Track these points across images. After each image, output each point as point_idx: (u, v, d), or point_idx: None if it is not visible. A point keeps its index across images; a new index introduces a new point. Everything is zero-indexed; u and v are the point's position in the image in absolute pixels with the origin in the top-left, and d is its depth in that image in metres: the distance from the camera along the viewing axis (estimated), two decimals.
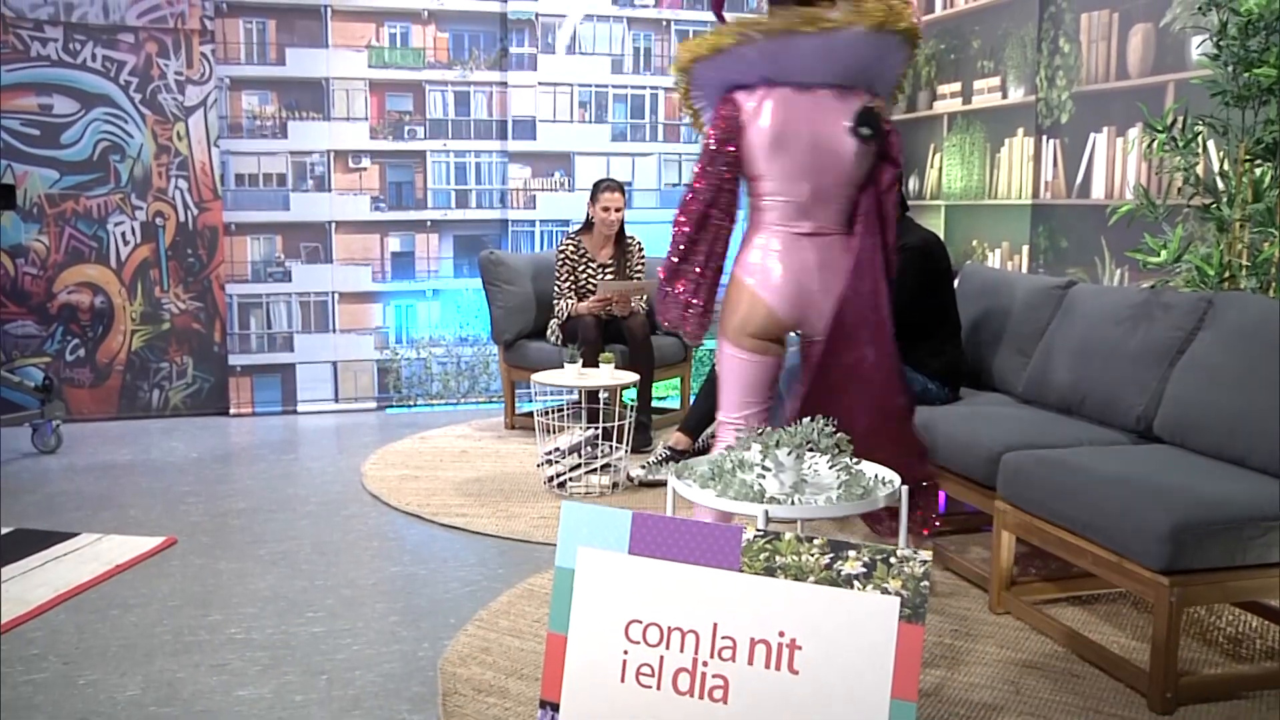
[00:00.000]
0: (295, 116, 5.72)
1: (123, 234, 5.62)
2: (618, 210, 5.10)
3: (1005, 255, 4.94)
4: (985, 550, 3.34)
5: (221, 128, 5.65)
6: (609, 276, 5.12)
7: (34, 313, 5.53)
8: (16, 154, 5.41)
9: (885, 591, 1.91)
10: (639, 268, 5.23)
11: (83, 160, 5.52)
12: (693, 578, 2.03)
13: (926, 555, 1.90)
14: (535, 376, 4.35)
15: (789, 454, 2.08)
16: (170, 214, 5.68)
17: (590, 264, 5.14)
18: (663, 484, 4.22)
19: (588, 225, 5.22)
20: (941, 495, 3.39)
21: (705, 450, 4.49)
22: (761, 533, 1.99)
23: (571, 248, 5.15)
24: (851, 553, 1.95)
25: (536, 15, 5.95)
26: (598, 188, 5.14)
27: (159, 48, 5.57)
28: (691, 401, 4.70)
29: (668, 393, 5.81)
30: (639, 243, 5.28)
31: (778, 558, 1.98)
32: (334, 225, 5.82)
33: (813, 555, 1.97)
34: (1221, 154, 3.42)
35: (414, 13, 5.84)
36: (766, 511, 2.00)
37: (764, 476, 2.08)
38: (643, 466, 4.28)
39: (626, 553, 2.10)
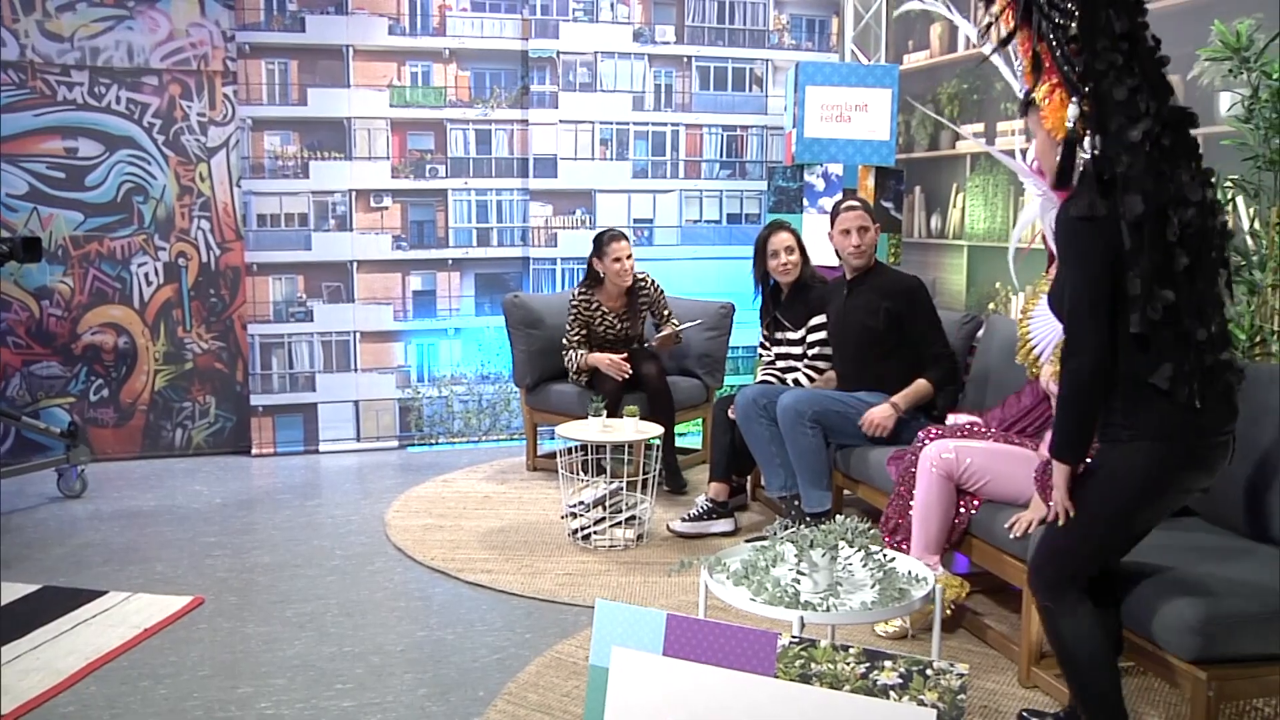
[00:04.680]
0: (317, 156, 5.75)
1: (146, 275, 5.66)
2: (629, 258, 4.92)
3: (1029, 299, 4.90)
4: (1013, 614, 3.31)
5: (244, 168, 5.68)
6: (625, 326, 5.08)
7: (58, 354, 5.56)
8: (43, 197, 5.45)
9: (921, 703, 1.90)
10: (665, 305, 5.18)
11: (107, 202, 5.56)
12: (727, 682, 2.02)
13: (963, 668, 1.89)
14: (560, 429, 4.35)
15: (823, 554, 2.07)
16: (193, 254, 5.72)
17: (606, 315, 5.04)
18: (704, 536, 4.24)
19: (594, 279, 5.04)
20: (961, 558, 3.39)
21: (740, 489, 4.53)
22: (797, 639, 1.98)
23: (584, 304, 5.00)
24: (888, 663, 1.94)
25: (558, 53, 5.96)
26: (601, 240, 4.94)
27: (182, 90, 5.61)
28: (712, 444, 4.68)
29: (688, 429, 5.80)
30: (653, 281, 5.16)
31: (813, 665, 1.97)
32: (355, 264, 5.84)
33: (848, 664, 1.96)
34: (1252, 213, 3.40)
35: (435, 52, 5.85)
36: (802, 619, 1.99)
37: (799, 580, 2.07)
38: (684, 519, 4.28)
39: (661, 654, 2.09)
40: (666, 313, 5.17)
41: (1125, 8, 2.14)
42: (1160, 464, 2.20)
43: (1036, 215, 3.00)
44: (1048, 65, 2.20)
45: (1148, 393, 2.15)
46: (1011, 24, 2.27)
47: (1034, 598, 2.44)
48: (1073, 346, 2.18)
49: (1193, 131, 2.19)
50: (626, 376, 4.84)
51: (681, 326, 5.09)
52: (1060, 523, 2.31)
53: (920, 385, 3.93)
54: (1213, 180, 2.22)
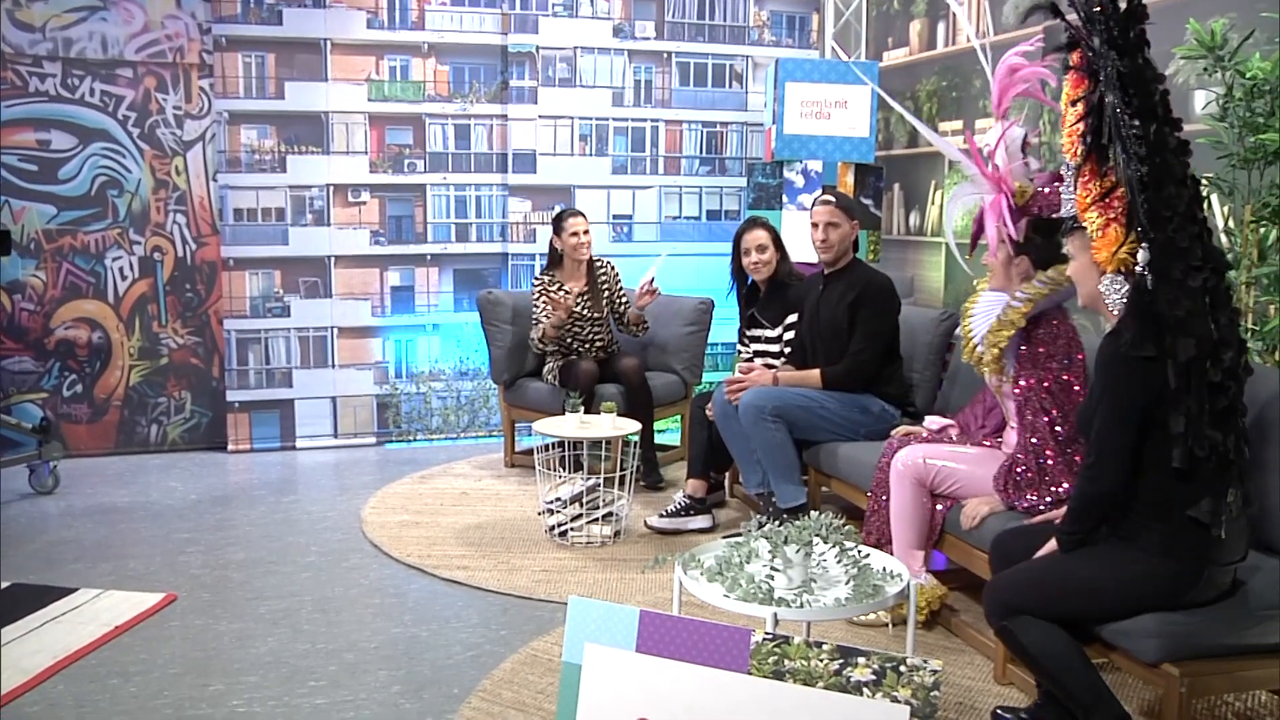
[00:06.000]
0: (294, 150, 5.70)
1: (120, 269, 5.60)
2: (585, 233, 5.01)
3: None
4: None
5: (220, 162, 5.63)
6: (589, 305, 5.07)
7: (31, 349, 5.50)
8: (14, 190, 5.39)
9: (895, 700, 1.90)
10: (621, 292, 5.18)
11: (80, 195, 5.50)
12: (700, 679, 2.01)
13: (937, 665, 1.88)
14: (536, 425, 4.33)
15: (797, 551, 2.06)
16: (168, 249, 5.67)
17: (567, 295, 5.05)
18: (681, 532, 4.23)
19: (556, 260, 5.12)
20: (939, 555, 3.39)
21: (718, 486, 4.52)
22: (770, 636, 1.97)
23: (547, 280, 5.08)
24: (861, 659, 1.94)
25: (537, 48, 5.93)
26: (560, 218, 5.05)
27: (157, 82, 5.55)
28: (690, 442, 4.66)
29: (667, 426, 5.78)
30: (612, 266, 5.21)
31: (786, 662, 1.97)
32: (333, 259, 5.80)
33: (822, 660, 1.95)
34: (1226, 211, 3.41)
35: (414, 46, 5.82)
36: (775, 615, 1.98)
37: (773, 576, 2.06)
38: (661, 515, 4.26)
39: (634, 650, 2.08)
40: (623, 298, 5.17)
41: (1180, 154, 2.25)
42: (1171, 580, 2.30)
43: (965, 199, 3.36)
44: (1101, 199, 2.30)
45: (1183, 520, 2.26)
46: (1081, 148, 2.34)
47: (988, 619, 2.45)
48: (1094, 470, 2.32)
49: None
50: (573, 308, 4.95)
51: (650, 275, 5.00)
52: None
53: (812, 374, 4.00)
54: (1239, 320, 2.35)
